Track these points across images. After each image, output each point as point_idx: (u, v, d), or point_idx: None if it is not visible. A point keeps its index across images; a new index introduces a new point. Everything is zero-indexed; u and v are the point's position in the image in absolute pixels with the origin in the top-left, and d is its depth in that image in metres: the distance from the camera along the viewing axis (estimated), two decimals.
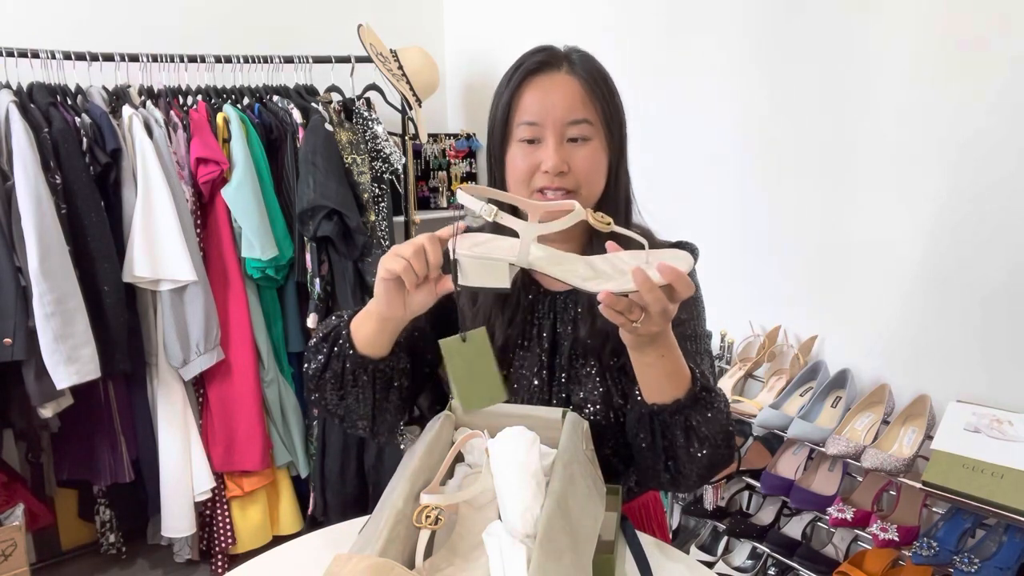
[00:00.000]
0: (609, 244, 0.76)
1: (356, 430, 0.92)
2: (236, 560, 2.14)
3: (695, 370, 0.82)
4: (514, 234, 0.77)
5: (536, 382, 0.93)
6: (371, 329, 0.84)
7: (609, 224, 0.75)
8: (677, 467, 0.83)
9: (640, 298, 0.70)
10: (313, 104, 2.16)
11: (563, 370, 0.93)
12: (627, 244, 0.77)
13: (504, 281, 0.76)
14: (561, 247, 0.94)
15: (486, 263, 0.76)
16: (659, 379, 0.80)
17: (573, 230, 0.90)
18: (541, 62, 0.89)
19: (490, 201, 0.76)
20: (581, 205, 0.88)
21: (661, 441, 0.82)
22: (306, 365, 0.91)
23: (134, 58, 2.02)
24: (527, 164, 0.87)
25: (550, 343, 0.94)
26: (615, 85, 0.91)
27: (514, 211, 0.98)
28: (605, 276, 0.75)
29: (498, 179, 0.93)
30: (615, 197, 0.93)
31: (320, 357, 0.88)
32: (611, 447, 0.92)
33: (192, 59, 2.10)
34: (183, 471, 2.04)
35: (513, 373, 0.95)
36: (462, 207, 1.06)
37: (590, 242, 0.95)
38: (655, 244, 0.98)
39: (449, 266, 0.77)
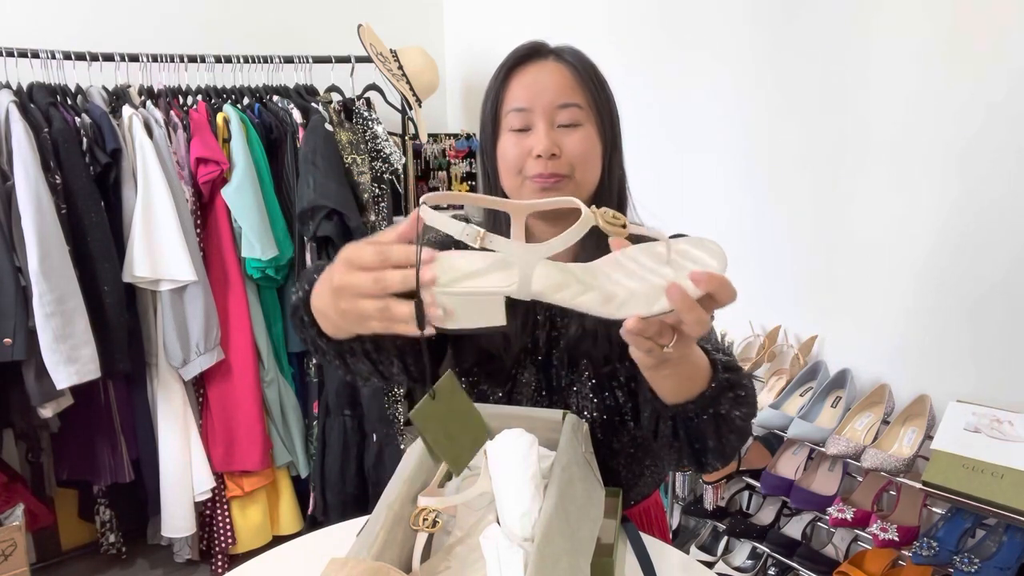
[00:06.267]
0: (614, 242, 0.62)
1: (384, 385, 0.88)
2: (236, 560, 2.15)
3: (712, 352, 0.74)
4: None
5: (532, 387, 0.92)
6: (334, 324, 0.68)
7: (624, 226, 0.59)
8: (706, 458, 0.77)
9: (676, 318, 0.58)
10: (313, 104, 2.16)
11: (558, 379, 0.92)
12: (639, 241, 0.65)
13: (500, 318, 0.59)
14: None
15: (476, 301, 0.58)
16: (679, 384, 0.71)
17: (569, 218, 0.87)
18: (528, 51, 0.88)
19: (459, 215, 0.62)
20: (576, 194, 0.83)
21: (686, 436, 0.75)
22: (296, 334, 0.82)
23: (134, 58, 2.02)
24: (517, 151, 0.85)
25: (545, 350, 0.92)
26: (604, 77, 0.89)
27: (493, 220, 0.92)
28: (621, 292, 0.59)
29: (491, 175, 0.90)
30: (609, 190, 0.90)
31: (300, 336, 0.79)
32: (609, 453, 0.92)
33: (192, 59, 2.10)
34: (183, 471, 2.04)
35: (517, 387, 0.93)
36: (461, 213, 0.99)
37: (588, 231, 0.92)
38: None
39: (421, 308, 0.58)
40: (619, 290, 0.60)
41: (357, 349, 0.79)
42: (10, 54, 1.86)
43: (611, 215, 0.58)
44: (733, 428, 0.74)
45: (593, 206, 0.59)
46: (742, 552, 1.90)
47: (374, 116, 2.26)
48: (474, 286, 0.58)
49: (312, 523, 2.32)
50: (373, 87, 2.35)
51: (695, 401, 0.71)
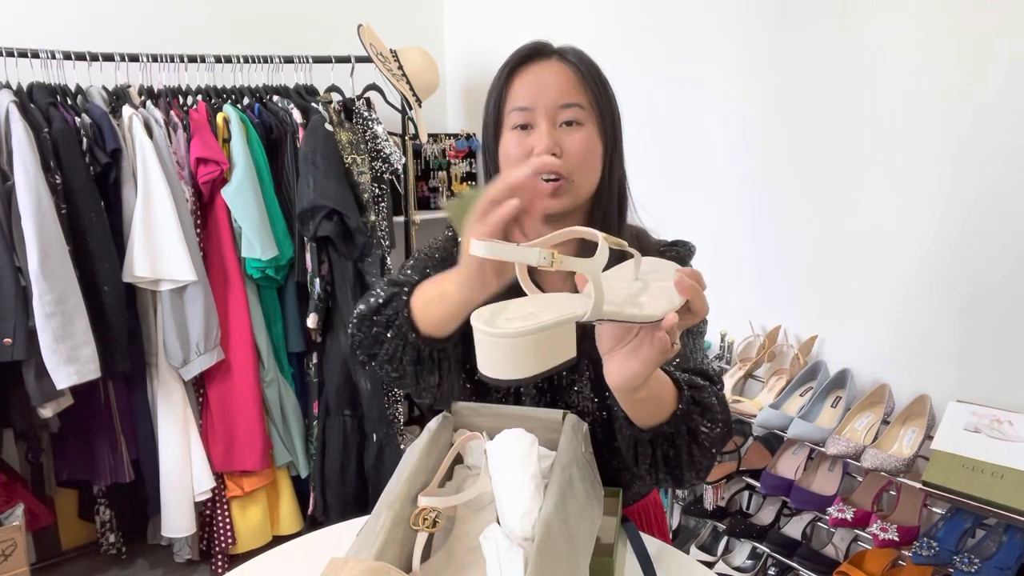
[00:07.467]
0: (578, 278, 0.65)
1: (420, 399, 0.89)
2: (236, 560, 2.15)
3: (673, 374, 0.78)
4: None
5: (534, 386, 0.93)
6: (444, 313, 0.75)
7: (623, 244, 0.65)
8: (683, 473, 0.79)
9: (685, 309, 0.64)
10: (313, 104, 2.16)
11: (559, 378, 0.92)
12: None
13: (572, 348, 0.56)
14: (563, 250, 0.92)
15: (551, 336, 0.53)
16: (654, 406, 0.74)
17: (568, 220, 0.87)
18: (531, 51, 0.88)
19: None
20: (576, 195, 0.87)
21: (663, 455, 0.78)
22: (352, 337, 0.85)
23: (134, 58, 2.02)
24: (520, 150, 0.85)
25: None
26: (606, 77, 0.90)
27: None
28: (643, 298, 0.64)
29: (493, 174, 0.91)
30: (609, 189, 0.90)
31: (375, 332, 0.82)
32: (609, 453, 0.92)
33: (192, 59, 2.10)
34: (183, 471, 2.04)
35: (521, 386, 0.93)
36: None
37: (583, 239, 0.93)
38: (648, 244, 0.98)
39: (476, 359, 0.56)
40: (636, 295, 0.64)
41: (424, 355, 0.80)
42: (10, 54, 1.86)
43: (614, 241, 0.63)
44: (706, 442, 0.78)
45: (603, 235, 0.62)
46: (742, 552, 1.90)
47: (374, 116, 2.26)
48: (538, 322, 0.53)
49: (312, 523, 2.32)
50: (373, 87, 2.35)
51: (668, 422, 0.75)
